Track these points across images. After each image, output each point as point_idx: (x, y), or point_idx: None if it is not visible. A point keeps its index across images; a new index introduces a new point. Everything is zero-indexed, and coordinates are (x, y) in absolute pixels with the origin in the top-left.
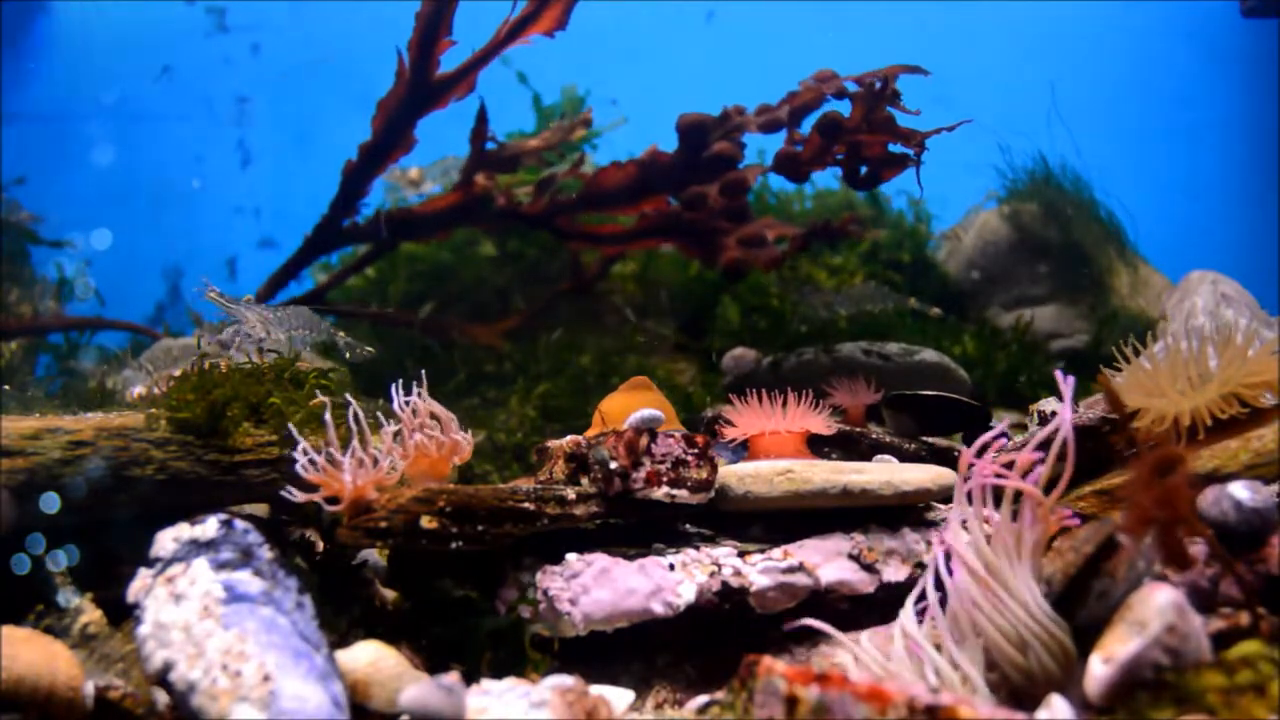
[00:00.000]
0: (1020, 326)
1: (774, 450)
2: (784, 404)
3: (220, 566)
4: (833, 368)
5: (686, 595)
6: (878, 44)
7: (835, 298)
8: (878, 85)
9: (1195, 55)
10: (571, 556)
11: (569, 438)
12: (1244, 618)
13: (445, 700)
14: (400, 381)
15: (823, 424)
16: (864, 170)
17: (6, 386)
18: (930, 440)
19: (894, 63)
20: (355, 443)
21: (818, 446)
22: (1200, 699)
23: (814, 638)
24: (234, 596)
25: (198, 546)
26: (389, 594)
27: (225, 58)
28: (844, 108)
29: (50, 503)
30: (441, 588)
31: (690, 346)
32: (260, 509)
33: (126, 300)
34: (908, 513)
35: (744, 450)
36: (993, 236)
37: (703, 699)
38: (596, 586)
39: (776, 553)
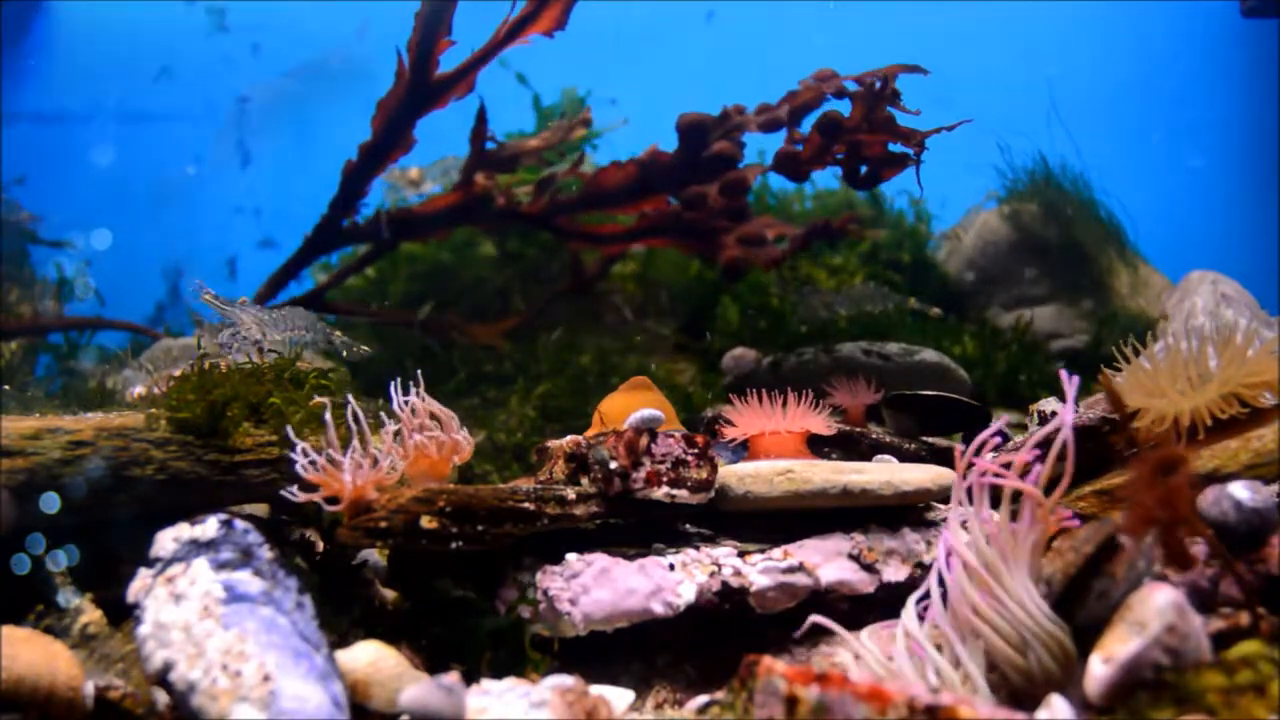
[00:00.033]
0: (1020, 326)
1: (774, 450)
2: (784, 404)
3: (220, 566)
4: (833, 368)
5: (686, 595)
6: (877, 44)
7: (835, 298)
8: (877, 85)
9: (1195, 55)
10: (571, 556)
11: (569, 438)
12: (1244, 618)
13: (445, 700)
14: (398, 380)
15: (823, 424)
16: (864, 170)
17: (6, 386)
18: (930, 440)
19: (894, 62)
20: (355, 443)
21: (818, 446)
22: (1200, 699)
23: (814, 638)
24: (234, 596)
25: (198, 546)
26: (389, 594)
27: (225, 58)
28: (844, 107)
29: (50, 503)
30: (441, 588)
31: (690, 346)
32: (260, 509)
33: (126, 300)
34: (908, 513)
35: (744, 450)
36: (993, 236)
37: (703, 699)
38: (596, 586)
39: (776, 553)
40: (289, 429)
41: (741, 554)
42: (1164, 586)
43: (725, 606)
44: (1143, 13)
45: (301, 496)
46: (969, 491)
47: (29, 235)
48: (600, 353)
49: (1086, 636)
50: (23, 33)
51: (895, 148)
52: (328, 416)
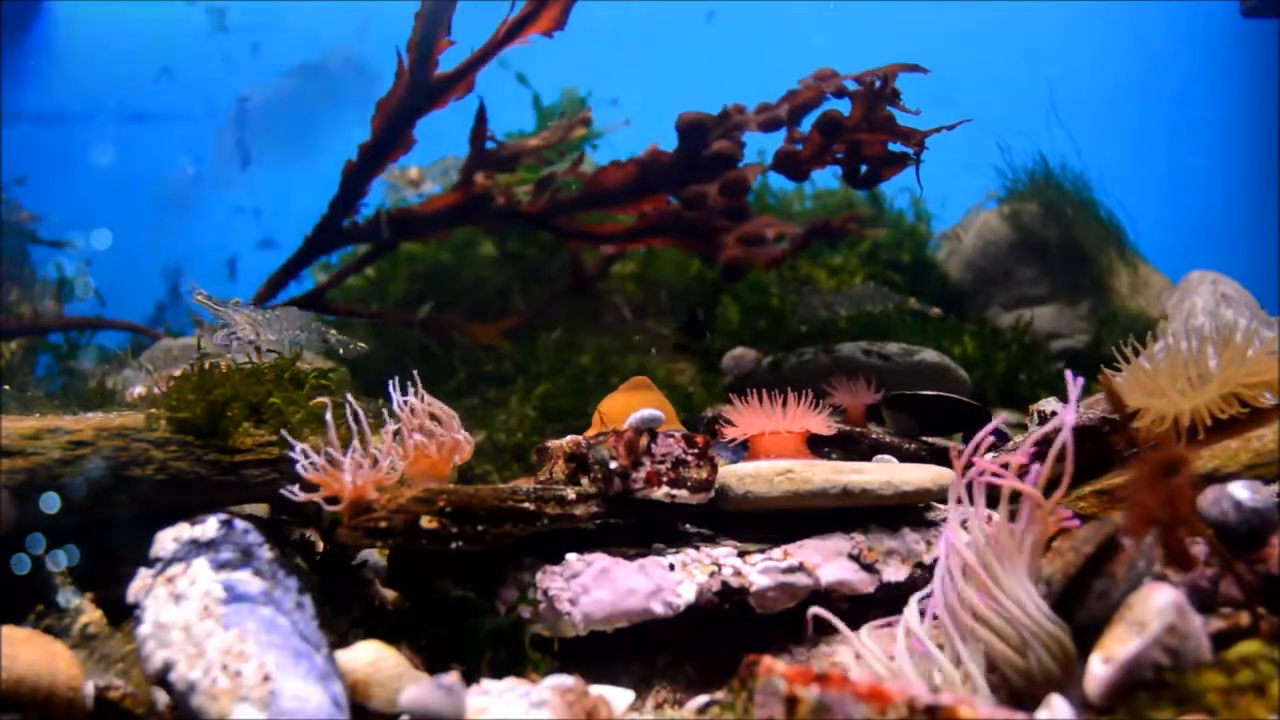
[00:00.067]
0: (1020, 326)
1: (774, 450)
2: (784, 404)
3: (220, 566)
4: (833, 368)
5: (686, 595)
6: (877, 44)
7: (835, 298)
8: (877, 84)
9: (1195, 55)
10: (571, 556)
11: (569, 438)
12: (1244, 618)
13: (445, 700)
14: (396, 379)
15: (823, 424)
16: (864, 169)
17: (6, 386)
18: (930, 440)
19: (893, 62)
20: (355, 443)
21: (818, 446)
22: (1200, 699)
23: (814, 638)
24: (234, 596)
25: (198, 546)
26: (389, 594)
27: (225, 58)
28: (844, 106)
29: (50, 503)
30: (441, 588)
31: (690, 346)
32: (260, 509)
33: (126, 300)
34: (908, 513)
35: (744, 450)
36: (993, 236)
37: (703, 699)
38: (596, 586)
39: (776, 553)
40: (283, 433)
41: (741, 554)
42: (1164, 586)
43: (725, 606)
44: (1143, 13)
45: (301, 496)
46: (969, 491)
47: (29, 235)
48: (600, 353)
49: (1086, 636)
50: (23, 33)
51: (895, 147)
52: (328, 416)
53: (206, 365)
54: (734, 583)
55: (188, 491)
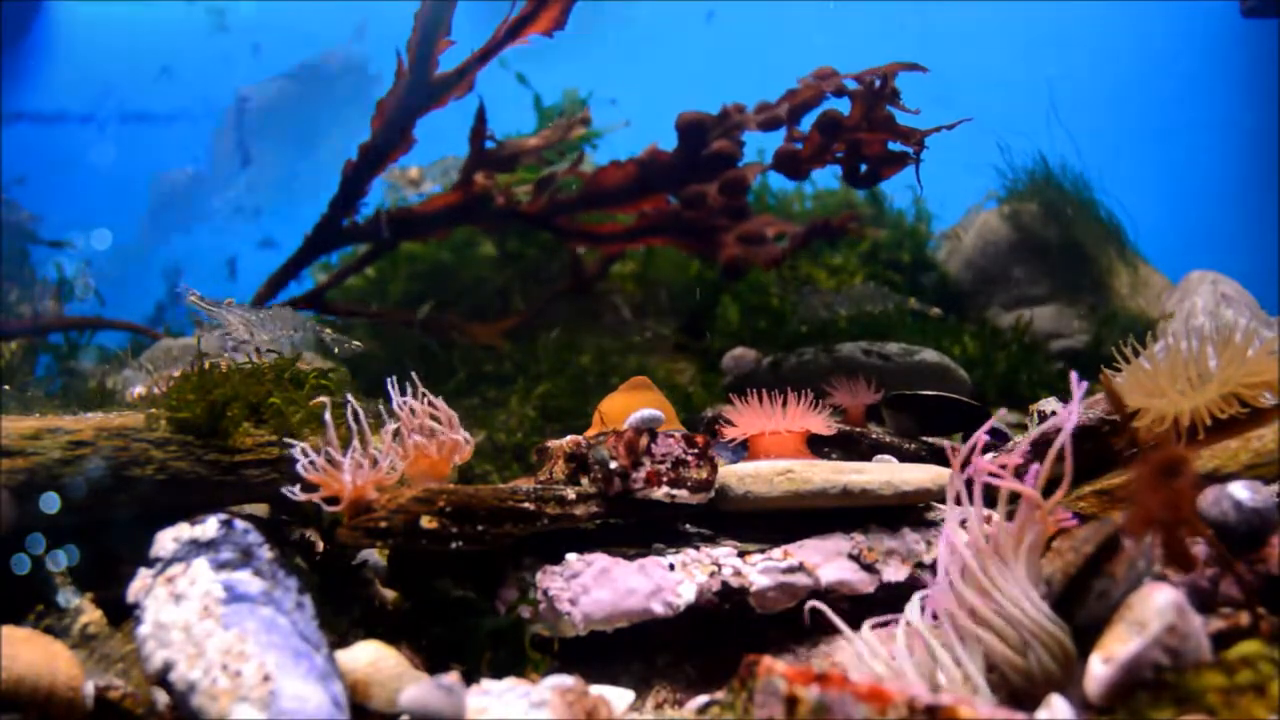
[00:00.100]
0: (1020, 326)
1: (774, 450)
2: (784, 404)
3: (220, 566)
4: (833, 368)
5: (686, 595)
6: (877, 43)
7: (835, 298)
8: (877, 83)
9: (1195, 55)
10: (571, 556)
11: (569, 438)
12: (1244, 618)
13: (445, 700)
14: (393, 378)
15: (823, 424)
16: (864, 168)
17: (6, 386)
18: (930, 440)
19: (893, 61)
20: (355, 443)
21: (818, 446)
22: (1200, 699)
23: (814, 637)
24: (234, 596)
25: (198, 546)
26: (389, 594)
27: (225, 58)
28: (843, 106)
29: (50, 503)
30: (441, 588)
31: (690, 346)
32: (260, 509)
33: (126, 300)
34: (908, 513)
35: (744, 450)
36: (993, 236)
37: (703, 699)
38: (596, 586)
39: (776, 553)
40: (289, 430)
41: (741, 554)
42: (1164, 586)
43: (725, 606)
44: (1143, 13)
45: (302, 496)
46: (968, 491)
47: (29, 235)
48: (600, 353)
49: (1086, 636)
50: (23, 33)
51: (895, 146)
52: (327, 416)
53: (206, 365)
54: (734, 583)
55: (188, 491)
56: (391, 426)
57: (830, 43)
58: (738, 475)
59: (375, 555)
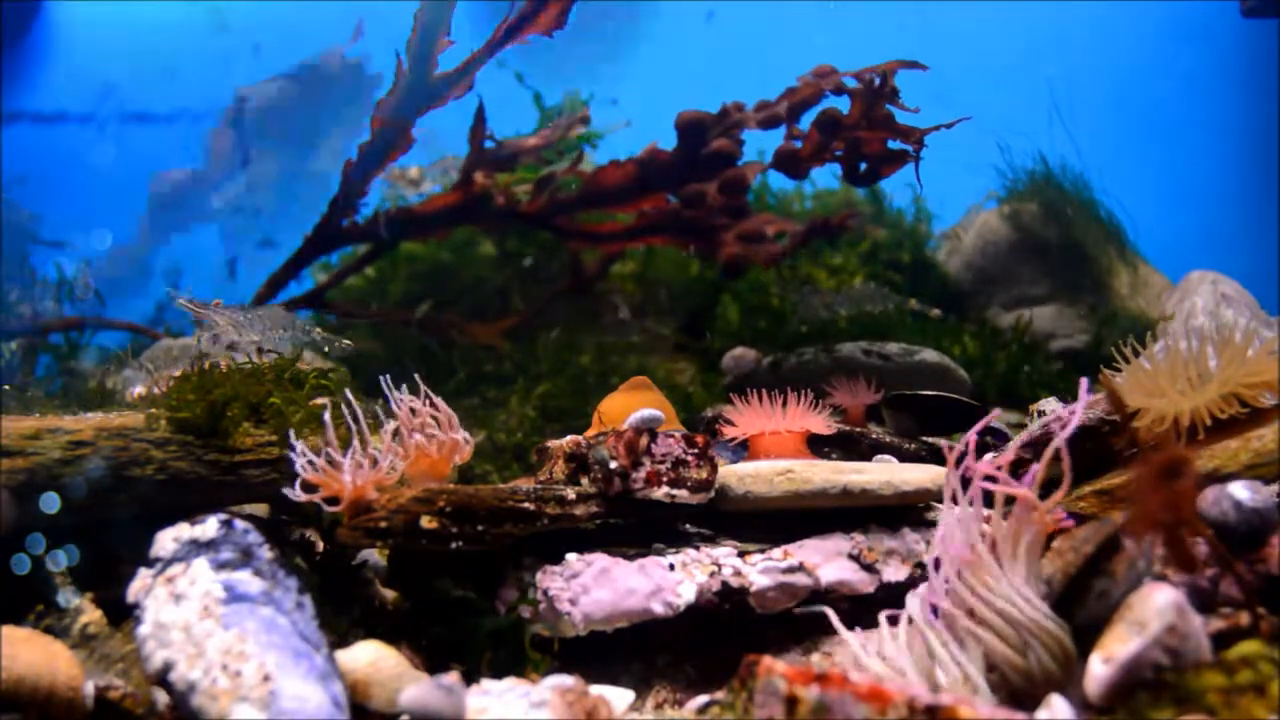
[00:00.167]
0: (1020, 326)
1: (774, 450)
2: (784, 404)
3: (220, 566)
4: (833, 368)
5: (686, 595)
6: (877, 43)
7: (835, 298)
8: (876, 81)
9: (1195, 55)
10: (571, 556)
11: (569, 438)
12: (1244, 618)
13: (445, 700)
14: (389, 378)
15: (823, 424)
16: (863, 167)
17: (6, 386)
18: (930, 440)
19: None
20: (355, 443)
21: (818, 446)
22: (1200, 699)
23: (814, 637)
24: (234, 596)
25: (198, 546)
26: (389, 594)
27: (225, 58)
28: (843, 104)
29: (50, 503)
30: (441, 588)
31: (690, 346)
32: (260, 509)
33: (126, 300)
34: (908, 513)
35: (744, 450)
36: (993, 236)
37: (703, 699)
38: (596, 586)
39: (776, 553)
40: (289, 430)
41: (741, 554)
42: (1164, 586)
43: (725, 606)
44: (1142, 12)
45: (302, 497)
46: (966, 490)
47: (29, 235)
48: (600, 353)
49: (1086, 636)
50: (23, 33)
51: (894, 145)
52: (327, 417)
53: (206, 365)
54: (734, 583)
55: (188, 491)
56: (391, 426)
57: (830, 42)
58: (738, 475)
59: (375, 555)
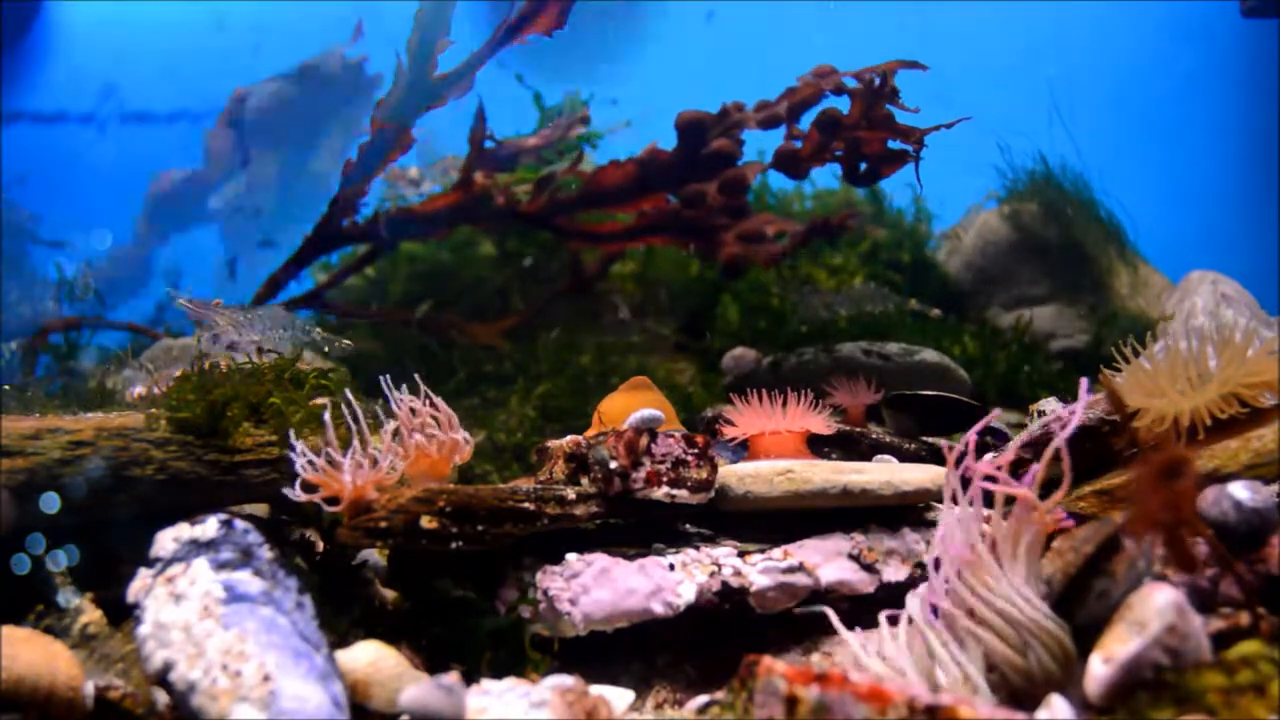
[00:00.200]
0: (1020, 326)
1: (774, 450)
2: (784, 404)
3: (220, 566)
4: (833, 368)
5: (686, 595)
6: (877, 43)
7: (835, 298)
8: (876, 81)
9: (1195, 55)
10: (571, 556)
11: (569, 438)
12: (1244, 618)
13: (445, 700)
14: (389, 378)
15: (823, 424)
16: (863, 166)
17: (6, 386)
18: (930, 440)
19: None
20: (355, 443)
21: (818, 446)
22: (1200, 699)
23: (814, 637)
24: (234, 596)
25: (198, 546)
26: (389, 594)
27: (225, 58)
28: (843, 104)
29: (50, 503)
30: (441, 588)
31: (690, 346)
32: (260, 509)
33: (127, 300)
34: (908, 513)
35: (744, 450)
36: (993, 236)
37: (703, 699)
38: (596, 586)
39: (776, 553)
40: (289, 430)
41: (741, 554)
42: (1164, 586)
43: (725, 606)
44: (1142, 12)
45: (302, 497)
46: (966, 490)
47: (29, 235)
48: (600, 353)
49: (1086, 636)
50: (23, 33)
51: (894, 144)
52: (327, 417)
53: (206, 365)
54: (734, 583)
55: (188, 491)
56: (391, 426)
57: (830, 42)
58: (738, 475)
59: (375, 555)
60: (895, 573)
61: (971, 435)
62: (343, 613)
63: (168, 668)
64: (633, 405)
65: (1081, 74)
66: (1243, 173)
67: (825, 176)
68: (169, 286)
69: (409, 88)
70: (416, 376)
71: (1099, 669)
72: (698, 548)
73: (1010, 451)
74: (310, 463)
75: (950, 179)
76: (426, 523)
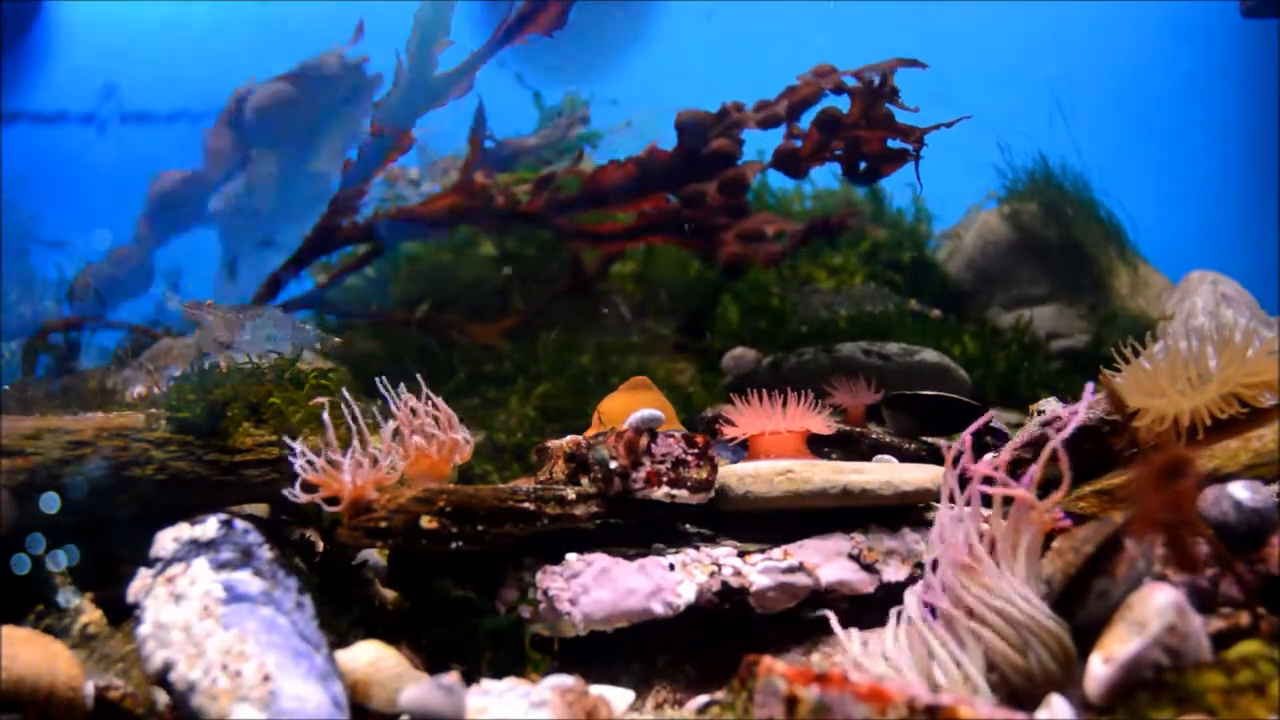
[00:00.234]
0: (1020, 326)
1: (774, 450)
2: (784, 404)
3: (220, 566)
4: (833, 368)
5: (686, 595)
6: (877, 43)
7: (835, 298)
8: (876, 80)
9: (1195, 55)
10: (571, 556)
11: (569, 438)
12: (1244, 618)
13: (445, 700)
14: (386, 379)
15: (823, 424)
16: (863, 166)
17: (7, 387)
18: (930, 440)
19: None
20: (355, 443)
21: (818, 446)
22: (1200, 699)
23: (814, 637)
24: (234, 596)
25: (198, 546)
26: (389, 594)
27: (225, 58)
28: (842, 103)
29: (50, 503)
30: (441, 588)
31: (690, 346)
32: (260, 509)
33: (127, 300)
34: (908, 513)
35: (744, 450)
36: (993, 236)
37: (703, 699)
38: (596, 586)
39: (776, 553)
40: (289, 429)
41: (741, 554)
42: (1164, 586)
43: (725, 606)
44: (1142, 12)
45: (302, 497)
46: (963, 489)
47: (29, 235)
48: (600, 353)
49: (1086, 636)
50: (23, 33)
51: (894, 144)
52: (326, 417)
53: (206, 365)
54: (734, 583)
55: (188, 491)
56: (391, 426)
57: (830, 42)
58: (738, 475)
59: (375, 555)
60: (895, 573)
61: (967, 435)
62: (343, 613)
63: (168, 668)
64: (633, 405)
65: (1081, 74)
66: (1243, 173)
67: (825, 176)
68: (165, 288)
69: (409, 88)
70: (419, 377)
71: (1099, 669)
72: (698, 548)
73: (1007, 452)
74: (310, 463)
75: (950, 179)
76: (426, 523)
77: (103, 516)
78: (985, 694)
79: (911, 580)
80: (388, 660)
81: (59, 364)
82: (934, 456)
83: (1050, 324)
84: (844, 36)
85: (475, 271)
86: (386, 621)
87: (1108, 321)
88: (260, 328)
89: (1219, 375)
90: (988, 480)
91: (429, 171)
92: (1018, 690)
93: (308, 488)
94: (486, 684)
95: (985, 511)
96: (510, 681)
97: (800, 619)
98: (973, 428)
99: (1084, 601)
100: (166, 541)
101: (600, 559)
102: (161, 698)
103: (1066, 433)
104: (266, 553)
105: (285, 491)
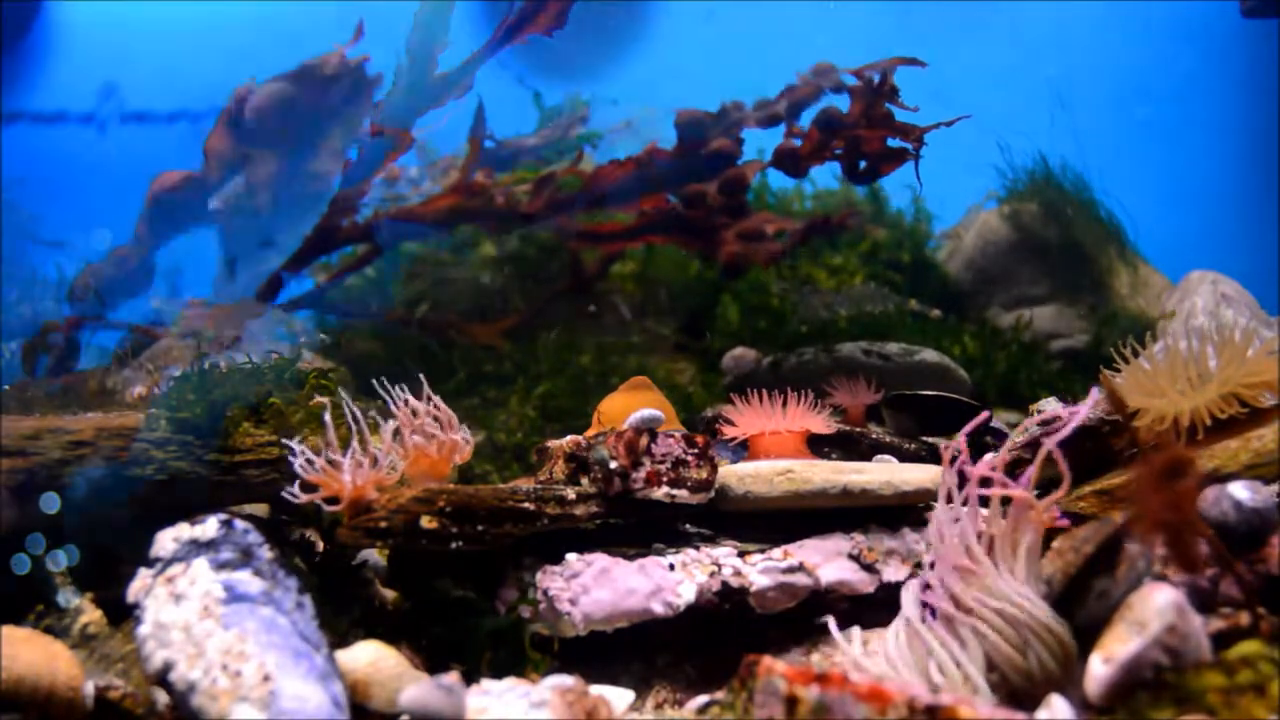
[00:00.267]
0: (1020, 326)
1: (774, 450)
2: (784, 404)
3: (220, 566)
4: (833, 368)
5: (686, 595)
6: (877, 43)
7: (835, 298)
8: (876, 79)
9: (1195, 55)
10: (571, 556)
11: (569, 438)
12: (1244, 618)
13: (445, 700)
14: (385, 380)
15: (823, 424)
16: (863, 165)
17: (7, 387)
18: (930, 440)
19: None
20: (355, 443)
21: (818, 446)
22: (1200, 699)
23: (814, 637)
24: (234, 596)
25: (198, 546)
26: (389, 594)
27: (225, 57)
28: (842, 102)
29: (50, 503)
30: (441, 588)
31: (690, 346)
32: (260, 509)
33: (127, 300)
34: (908, 513)
35: (744, 450)
36: (993, 236)
37: (703, 699)
38: (596, 586)
39: (776, 553)
40: (289, 429)
41: (741, 554)
42: (1164, 586)
43: (725, 606)
44: (1143, 12)
45: (303, 497)
46: (961, 489)
47: (29, 235)
48: (600, 353)
49: (1086, 636)
50: (23, 33)
51: (894, 143)
52: (327, 417)
53: (206, 365)
54: (734, 583)
55: (188, 491)
56: (391, 426)
57: (830, 42)
58: (738, 475)
59: (375, 555)
60: (895, 573)
61: (962, 436)
62: (343, 613)
63: (168, 668)
64: (633, 405)
65: (1081, 74)
66: (1243, 173)
67: (825, 176)
68: (155, 296)
69: (409, 88)
70: (421, 377)
71: (1099, 669)
72: (698, 548)
73: (1005, 452)
74: (310, 462)
75: (950, 179)
76: (426, 523)
77: (102, 516)
78: (985, 694)
79: (911, 580)
80: (388, 660)
81: (59, 364)
82: (934, 456)
83: (1050, 324)
84: (844, 36)
85: (475, 271)
86: (386, 621)
87: (1108, 321)
88: (242, 320)
89: (1219, 375)
90: (985, 481)
91: (429, 171)
92: (1018, 690)
93: (307, 488)
94: (486, 684)
95: (983, 512)
96: (510, 681)
97: (800, 619)
98: (968, 428)
99: (1084, 601)
100: (166, 541)
101: (600, 559)
102: (161, 698)
103: (1061, 435)
104: (266, 553)
105: (285, 491)
